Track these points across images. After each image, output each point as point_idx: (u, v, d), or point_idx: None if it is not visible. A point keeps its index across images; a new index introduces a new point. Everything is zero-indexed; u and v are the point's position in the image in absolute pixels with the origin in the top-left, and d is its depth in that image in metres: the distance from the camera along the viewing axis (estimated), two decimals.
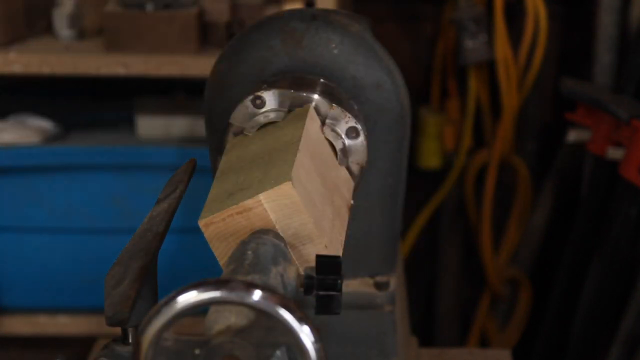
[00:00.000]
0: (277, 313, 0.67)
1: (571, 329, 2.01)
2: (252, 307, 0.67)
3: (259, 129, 1.01)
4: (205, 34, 1.92)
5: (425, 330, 2.50)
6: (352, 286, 1.12)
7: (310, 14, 1.05)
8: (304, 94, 1.00)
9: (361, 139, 1.01)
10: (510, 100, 2.18)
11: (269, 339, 0.68)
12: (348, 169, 1.02)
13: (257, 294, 0.67)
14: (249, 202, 0.85)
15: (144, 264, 0.81)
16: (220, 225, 0.86)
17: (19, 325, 2.02)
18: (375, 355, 1.11)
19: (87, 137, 2.00)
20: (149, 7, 1.89)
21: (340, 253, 0.90)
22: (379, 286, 1.13)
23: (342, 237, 0.93)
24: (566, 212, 2.25)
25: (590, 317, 1.95)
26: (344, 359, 1.10)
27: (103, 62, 1.88)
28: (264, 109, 1.00)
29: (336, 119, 1.00)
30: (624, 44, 2.06)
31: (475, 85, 2.29)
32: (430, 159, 2.40)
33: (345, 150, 1.01)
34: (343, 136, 1.00)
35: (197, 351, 0.68)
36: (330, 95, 1.01)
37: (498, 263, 2.28)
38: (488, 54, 2.21)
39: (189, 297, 0.67)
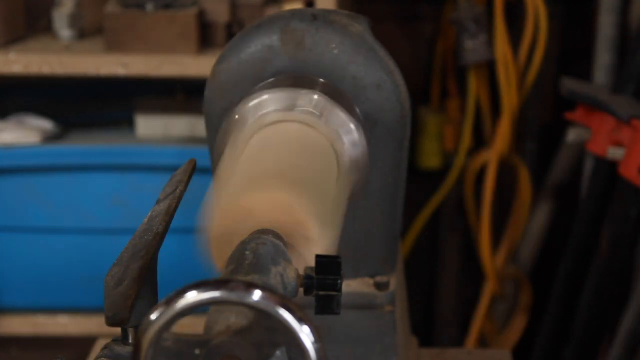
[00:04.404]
0: (277, 313, 0.67)
1: (571, 328, 2.01)
2: (252, 307, 0.67)
3: (258, 129, 1.01)
4: (205, 34, 1.92)
5: (425, 330, 2.50)
6: (352, 286, 1.12)
7: (310, 14, 1.05)
8: (304, 94, 1.00)
9: (361, 139, 1.01)
10: (510, 100, 2.18)
11: (269, 339, 0.68)
12: None
13: (257, 294, 0.67)
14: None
15: (144, 264, 0.81)
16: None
17: (19, 325, 2.02)
18: (375, 355, 1.11)
19: (87, 137, 2.00)
20: (149, 7, 1.89)
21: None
22: (379, 286, 1.13)
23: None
24: (566, 212, 2.25)
25: (590, 317, 1.95)
26: (344, 359, 1.10)
27: (103, 62, 1.88)
28: (264, 110, 1.00)
29: (336, 119, 1.00)
30: (624, 44, 2.06)
31: (475, 85, 2.28)
32: (430, 159, 2.40)
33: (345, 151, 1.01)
34: (342, 135, 1.00)
35: (197, 351, 0.68)
36: (330, 95, 1.01)
37: (498, 263, 2.28)
38: (488, 54, 2.20)
39: (189, 297, 0.67)
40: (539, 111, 2.35)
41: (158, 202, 0.93)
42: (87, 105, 2.16)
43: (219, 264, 0.85)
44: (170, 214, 0.90)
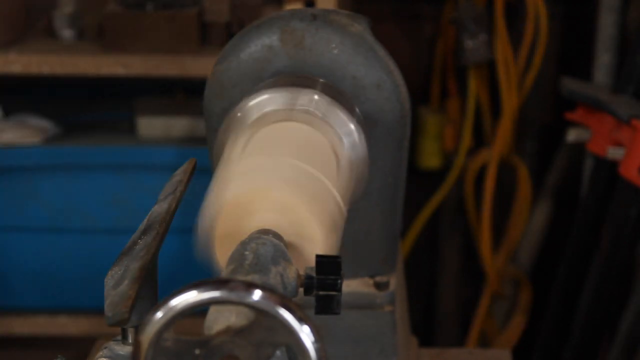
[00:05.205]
0: (277, 313, 0.67)
1: (571, 328, 2.01)
2: (252, 307, 0.67)
3: (259, 129, 1.01)
4: (205, 34, 1.92)
5: (425, 330, 2.50)
6: (352, 286, 1.12)
7: (310, 14, 1.05)
8: (304, 94, 1.00)
9: (361, 139, 1.01)
10: (510, 100, 2.18)
11: (269, 339, 0.68)
12: None
13: (257, 294, 0.67)
14: None
15: (143, 264, 0.81)
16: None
17: (19, 325, 2.02)
18: (375, 355, 1.11)
19: (87, 137, 2.00)
20: (149, 7, 1.89)
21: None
22: (379, 286, 1.13)
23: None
24: (566, 212, 2.25)
25: (590, 317, 1.95)
26: (344, 359, 1.10)
27: (103, 62, 1.88)
28: (264, 109, 1.00)
29: (336, 119, 1.00)
30: (624, 44, 2.06)
31: (475, 85, 2.29)
32: (430, 159, 2.40)
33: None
34: (342, 136, 1.00)
35: (197, 351, 0.68)
36: (330, 95, 1.01)
37: (498, 263, 2.28)
38: (488, 54, 2.21)
39: (189, 297, 0.67)
40: (539, 111, 2.35)
41: (158, 202, 0.93)
42: (87, 105, 2.16)
43: (220, 263, 0.85)
44: (170, 214, 0.90)
